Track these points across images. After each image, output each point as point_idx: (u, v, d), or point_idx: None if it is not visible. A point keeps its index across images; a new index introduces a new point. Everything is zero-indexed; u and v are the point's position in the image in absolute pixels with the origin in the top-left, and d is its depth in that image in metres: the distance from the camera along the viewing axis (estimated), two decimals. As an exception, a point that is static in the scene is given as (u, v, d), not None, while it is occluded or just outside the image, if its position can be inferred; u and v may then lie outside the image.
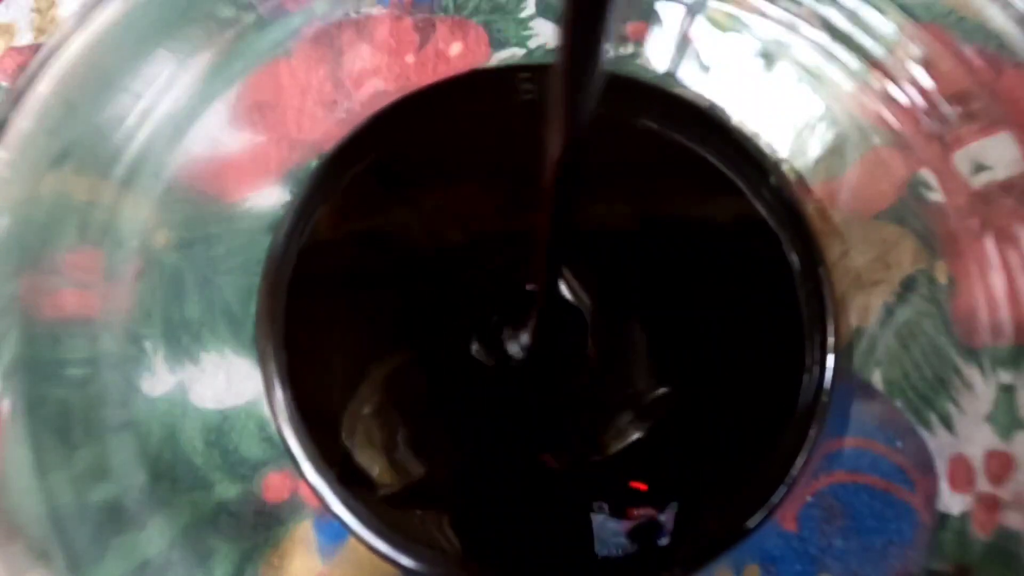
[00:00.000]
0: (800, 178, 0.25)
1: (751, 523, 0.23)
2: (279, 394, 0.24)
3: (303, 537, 0.23)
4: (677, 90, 0.26)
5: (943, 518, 0.21)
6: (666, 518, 0.23)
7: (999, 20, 0.20)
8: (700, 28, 0.25)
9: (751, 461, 0.24)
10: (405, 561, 0.23)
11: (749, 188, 0.26)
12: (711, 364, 0.25)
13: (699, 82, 0.26)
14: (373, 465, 0.24)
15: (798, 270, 0.25)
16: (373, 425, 0.24)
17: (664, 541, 0.23)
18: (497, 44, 0.26)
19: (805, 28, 0.23)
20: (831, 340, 0.24)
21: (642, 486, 0.24)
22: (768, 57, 0.25)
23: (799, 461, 0.24)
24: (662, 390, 0.24)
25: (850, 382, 0.24)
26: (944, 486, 0.22)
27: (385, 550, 0.23)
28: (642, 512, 0.23)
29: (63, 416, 0.19)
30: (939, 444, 0.22)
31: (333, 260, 0.25)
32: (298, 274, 0.25)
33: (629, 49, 0.26)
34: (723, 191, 0.26)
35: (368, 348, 0.25)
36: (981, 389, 0.22)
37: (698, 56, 0.26)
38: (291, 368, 0.24)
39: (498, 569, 0.24)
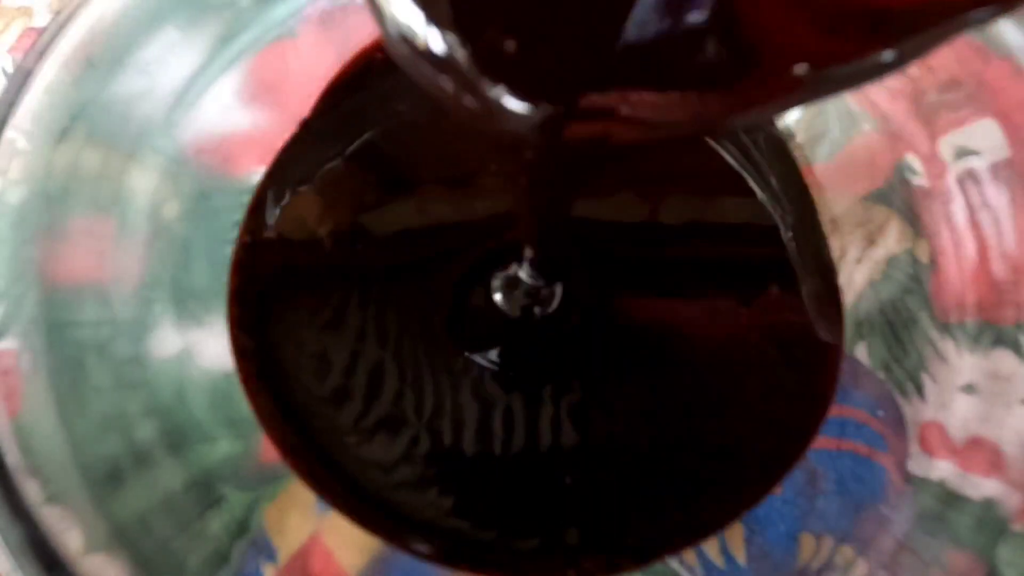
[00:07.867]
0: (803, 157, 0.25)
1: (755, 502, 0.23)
2: (252, 381, 0.24)
3: (299, 493, 0.23)
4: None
5: (916, 480, 0.22)
6: None
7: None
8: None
9: (761, 446, 0.24)
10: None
11: (752, 170, 0.26)
12: (720, 349, 0.25)
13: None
14: (348, 453, 0.24)
15: (802, 247, 0.25)
16: (349, 412, 0.24)
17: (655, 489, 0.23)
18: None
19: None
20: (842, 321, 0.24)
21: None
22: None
23: (807, 442, 0.23)
24: (668, 375, 0.24)
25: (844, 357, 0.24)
26: (916, 449, 0.22)
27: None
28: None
29: (77, 371, 0.20)
30: (914, 411, 0.23)
31: (308, 238, 0.25)
32: (270, 256, 0.24)
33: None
34: (723, 168, 0.26)
35: (343, 331, 0.24)
36: (955, 362, 0.22)
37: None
38: (263, 356, 0.24)
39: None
